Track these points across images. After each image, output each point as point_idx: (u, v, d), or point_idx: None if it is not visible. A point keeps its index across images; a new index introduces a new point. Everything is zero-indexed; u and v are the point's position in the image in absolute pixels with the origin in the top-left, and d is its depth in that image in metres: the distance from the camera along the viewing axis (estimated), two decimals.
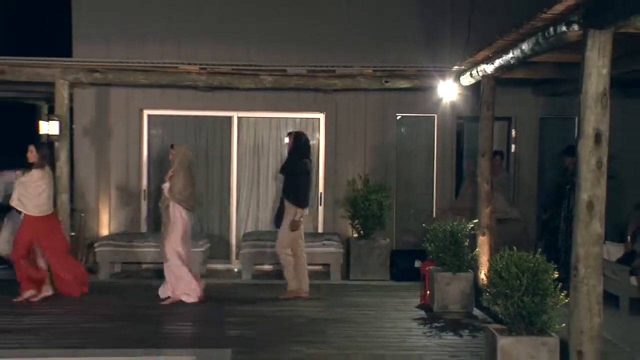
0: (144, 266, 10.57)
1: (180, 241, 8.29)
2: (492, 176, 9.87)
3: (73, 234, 10.09)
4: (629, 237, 8.67)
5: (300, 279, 8.67)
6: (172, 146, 8.78)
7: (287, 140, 9.16)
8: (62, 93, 9.80)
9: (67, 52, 10.85)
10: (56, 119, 9.84)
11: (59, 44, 11.19)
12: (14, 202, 8.33)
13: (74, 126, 10.66)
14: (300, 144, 8.86)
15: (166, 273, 8.31)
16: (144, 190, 11.17)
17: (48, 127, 10.31)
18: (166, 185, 8.32)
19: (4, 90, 12.13)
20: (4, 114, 14.25)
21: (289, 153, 8.96)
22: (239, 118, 11.23)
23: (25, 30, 15.52)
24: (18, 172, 10.32)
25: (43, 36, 13.15)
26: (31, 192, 8.20)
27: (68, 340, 6.67)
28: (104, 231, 10.84)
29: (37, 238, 8.35)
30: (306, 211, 8.80)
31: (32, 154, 8.34)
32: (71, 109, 10.42)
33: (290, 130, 9.64)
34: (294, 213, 8.53)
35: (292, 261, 8.66)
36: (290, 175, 8.76)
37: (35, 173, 8.23)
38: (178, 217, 8.27)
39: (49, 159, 8.76)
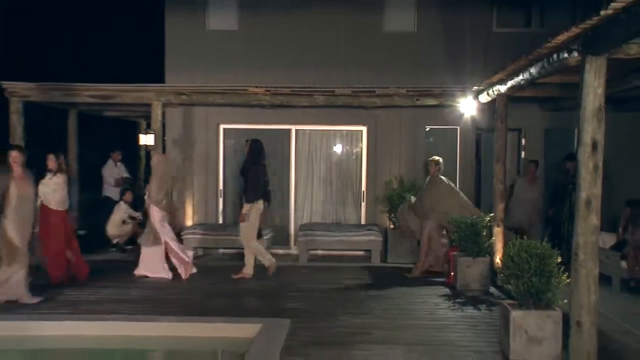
0: (220, 251, 10.66)
1: (161, 231, 8.37)
2: (528, 183, 9.93)
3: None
4: (620, 228, 8.58)
5: (250, 262, 8.58)
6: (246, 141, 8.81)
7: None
8: (157, 112, 9.97)
9: (161, 80, 11.11)
10: (152, 132, 10.07)
11: (155, 73, 11.45)
12: (39, 200, 7.84)
13: (165, 138, 10.84)
14: (255, 151, 8.72)
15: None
16: (220, 190, 11.34)
17: (146, 139, 10.59)
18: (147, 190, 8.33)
19: (114, 110, 12.53)
20: (114, 129, 14.61)
21: (246, 158, 8.80)
22: (297, 130, 11.30)
23: (129, 64, 15.95)
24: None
25: (143, 68, 13.44)
26: (58, 192, 7.91)
27: (166, 309, 6.77)
28: (189, 222, 11.02)
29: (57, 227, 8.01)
30: (260, 207, 8.61)
31: (52, 162, 7.93)
32: (163, 125, 10.60)
33: (247, 138, 9.30)
34: (244, 207, 8.51)
35: (257, 248, 8.63)
36: (245, 176, 8.67)
37: (60, 177, 7.96)
38: (154, 215, 8.31)
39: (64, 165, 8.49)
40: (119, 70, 13.27)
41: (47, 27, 18.71)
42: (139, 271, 8.47)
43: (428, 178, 9.23)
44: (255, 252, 8.65)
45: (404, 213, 9.27)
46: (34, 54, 17.33)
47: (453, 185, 9.38)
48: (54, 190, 7.82)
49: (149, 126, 10.92)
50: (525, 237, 7.60)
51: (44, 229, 7.74)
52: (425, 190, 9.12)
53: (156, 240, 8.41)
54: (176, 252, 8.44)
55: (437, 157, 9.23)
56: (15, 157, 7.38)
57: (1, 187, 7.03)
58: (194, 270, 8.63)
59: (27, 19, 18.59)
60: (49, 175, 7.82)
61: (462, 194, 9.12)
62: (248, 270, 8.56)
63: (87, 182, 12.34)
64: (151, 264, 8.44)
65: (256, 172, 8.61)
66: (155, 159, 8.76)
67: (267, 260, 8.62)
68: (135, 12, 18.12)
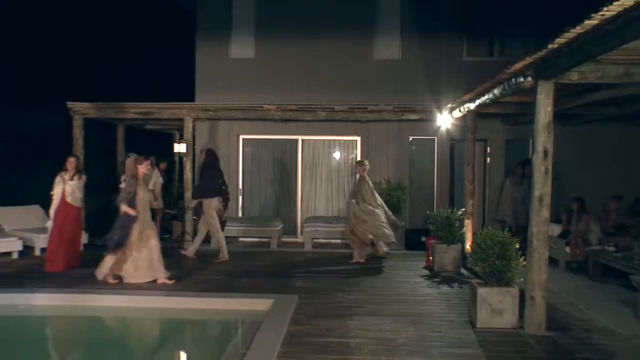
0: (240, 239, 10.64)
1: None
2: (515, 183, 9.75)
3: (195, 217, 10.09)
4: (564, 217, 8.66)
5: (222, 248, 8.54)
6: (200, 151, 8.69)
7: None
8: (188, 125, 10.04)
9: (192, 99, 11.14)
10: (184, 142, 10.12)
11: (187, 94, 11.48)
12: (69, 198, 7.67)
13: (195, 146, 10.84)
14: (212, 158, 8.74)
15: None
16: (240, 189, 11.35)
17: (179, 148, 10.63)
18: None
19: (153, 124, 12.63)
20: (153, 140, 14.66)
21: (203, 163, 8.73)
22: (303, 140, 11.31)
23: (166, 86, 16.03)
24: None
25: (177, 89, 13.53)
26: (76, 191, 7.76)
27: (198, 286, 6.76)
28: None
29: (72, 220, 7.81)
30: (214, 204, 8.49)
31: (72, 164, 7.74)
32: (193, 135, 10.67)
33: (202, 148, 9.40)
34: (191, 202, 8.80)
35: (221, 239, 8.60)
36: (201, 178, 8.67)
37: (83, 177, 7.87)
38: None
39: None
40: (158, 91, 13.35)
41: (99, 54, 18.82)
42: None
43: (358, 177, 8.89)
44: (219, 240, 8.63)
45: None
46: (89, 77, 17.44)
47: (373, 187, 8.84)
48: (73, 189, 7.73)
49: (181, 137, 10.96)
50: (511, 231, 7.71)
51: (62, 220, 7.64)
52: (356, 188, 8.75)
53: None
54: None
55: (362, 159, 9.04)
56: (71, 163, 7.79)
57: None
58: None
59: (81, 48, 18.69)
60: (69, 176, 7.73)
61: (377, 197, 8.78)
62: (223, 254, 8.52)
63: None
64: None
65: (212, 176, 8.61)
66: (127, 163, 7.93)
67: (223, 252, 8.56)
68: (172, 43, 18.22)
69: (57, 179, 7.71)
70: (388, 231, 8.42)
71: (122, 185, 7.02)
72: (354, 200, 8.50)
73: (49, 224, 7.80)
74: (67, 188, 7.68)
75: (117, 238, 6.82)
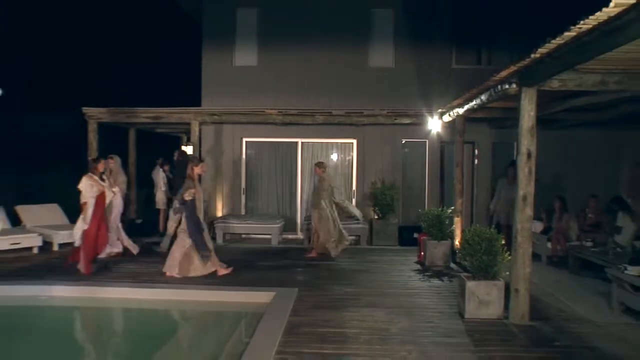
0: (243, 235, 10.63)
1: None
2: (509, 184, 9.33)
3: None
4: (543, 215, 8.70)
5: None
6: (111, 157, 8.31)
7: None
8: (194, 128, 10.05)
9: (198, 104, 11.13)
10: (191, 144, 10.16)
11: (194, 99, 11.48)
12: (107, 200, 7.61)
13: (201, 148, 10.85)
14: (181, 158, 8.82)
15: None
16: (243, 188, 11.33)
17: (186, 149, 10.66)
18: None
19: (162, 128, 12.62)
20: (163, 142, 14.71)
21: (177, 163, 8.63)
22: (302, 142, 11.28)
23: (174, 92, 16.04)
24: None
25: (185, 94, 13.54)
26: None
27: (205, 280, 6.78)
28: (219, 213, 11.06)
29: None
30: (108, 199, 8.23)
31: (103, 165, 7.64)
32: (200, 138, 10.66)
33: (176, 150, 9.48)
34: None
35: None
36: (179, 177, 8.49)
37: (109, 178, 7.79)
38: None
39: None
40: (166, 97, 13.36)
41: (113, 63, 18.84)
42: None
43: (317, 178, 8.69)
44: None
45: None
46: (102, 84, 17.45)
47: (333, 187, 8.85)
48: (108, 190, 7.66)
49: (188, 140, 10.99)
50: (501, 229, 7.68)
51: (99, 222, 7.44)
52: (319, 190, 8.58)
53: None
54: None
55: (322, 161, 8.96)
56: (107, 164, 7.93)
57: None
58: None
59: (95, 58, 18.70)
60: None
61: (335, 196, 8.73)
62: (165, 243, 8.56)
63: (142, 182, 12.41)
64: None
65: (182, 176, 8.23)
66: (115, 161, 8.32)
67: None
68: (180, 52, 18.24)
69: (89, 182, 7.26)
70: (333, 244, 8.47)
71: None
72: (323, 204, 8.44)
73: (80, 225, 7.25)
74: (105, 190, 7.49)
75: (199, 238, 6.89)
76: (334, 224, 8.50)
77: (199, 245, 6.93)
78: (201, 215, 7.17)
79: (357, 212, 9.38)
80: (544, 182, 9.31)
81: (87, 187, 7.21)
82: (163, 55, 19.58)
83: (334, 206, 8.65)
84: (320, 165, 8.73)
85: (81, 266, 7.08)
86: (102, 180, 7.53)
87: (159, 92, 15.65)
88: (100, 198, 7.34)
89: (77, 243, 7.25)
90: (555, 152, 10.31)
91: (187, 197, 6.90)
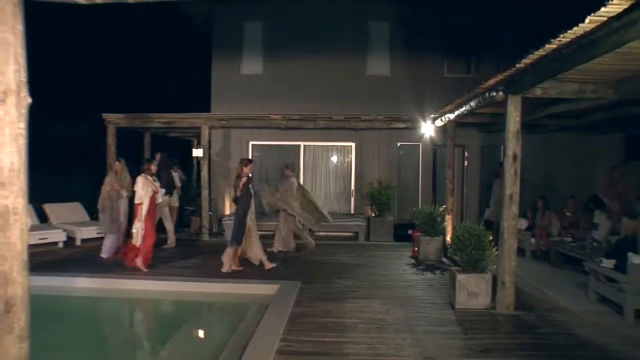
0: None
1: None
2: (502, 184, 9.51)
3: (211, 213, 10.28)
4: (529, 213, 8.66)
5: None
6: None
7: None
8: (205, 133, 10.06)
9: (208, 109, 11.16)
10: (201, 147, 10.15)
11: (204, 105, 11.50)
12: (159, 198, 7.38)
13: (211, 151, 10.88)
14: (164, 160, 8.87)
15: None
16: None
17: (197, 152, 10.67)
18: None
19: (174, 132, 12.59)
20: (174, 146, 14.71)
21: (160, 164, 8.43)
22: (304, 146, 11.31)
23: (186, 98, 16.03)
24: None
25: (196, 101, 13.55)
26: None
27: (216, 272, 6.78)
28: (227, 212, 11.05)
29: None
30: (167, 199, 8.44)
31: (154, 166, 7.35)
32: (209, 142, 10.67)
33: (159, 152, 9.26)
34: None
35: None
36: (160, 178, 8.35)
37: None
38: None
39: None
40: (179, 103, 13.41)
41: (129, 72, 18.88)
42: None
43: (286, 180, 8.47)
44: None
45: (266, 196, 8.53)
46: (119, 92, 17.48)
47: (305, 187, 8.93)
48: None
49: (199, 143, 11.00)
50: (492, 228, 7.62)
51: (152, 220, 7.20)
52: (285, 189, 8.41)
53: None
54: None
55: (291, 163, 8.84)
56: (116, 166, 8.00)
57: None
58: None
59: (112, 68, 18.75)
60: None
61: (310, 195, 8.67)
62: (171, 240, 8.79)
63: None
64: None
65: (169, 174, 8.76)
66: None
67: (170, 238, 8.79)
68: (191, 61, 18.27)
69: (143, 181, 6.93)
70: (313, 222, 8.56)
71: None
72: (291, 201, 8.35)
73: (138, 225, 6.89)
74: (157, 189, 7.17)
75: (237, 233, 6.90)
76: (308, 207, 8.45)
77: (233, 239, 6.93)
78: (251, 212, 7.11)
79: (325, 213, 8.81)
80: (528, 182, 9.31)
81: (142, 188, 6.91)
82: (175, 64, 19.60)
83: (305, 193, 8.58)
84: (288, 165, 8.68)
85: (139, 262, 6.89)
86: (154, 180, 7.23)
87: (171, 99, 15.69)
88: (152, 198, 7.09)
89: (138, 243, 6.89)
90: (538, 154, 10.32)
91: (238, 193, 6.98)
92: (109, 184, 7.82)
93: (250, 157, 11.30)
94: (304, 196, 8.56)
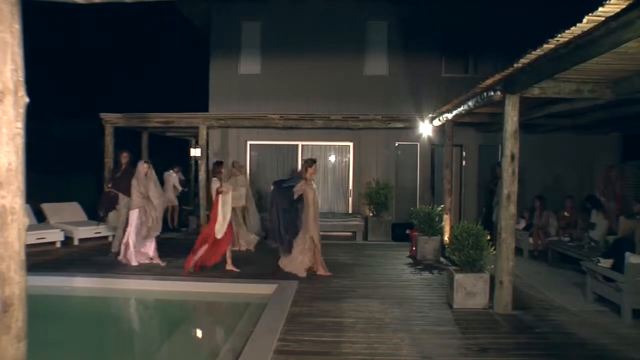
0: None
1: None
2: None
3: (208, 212, 10.27)
4: (526, 214, 8.67)
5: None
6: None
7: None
8: (202, 132, 10.01)
9: (206, 109, 11.13)
10: (199, 147, 10.13)
11: (202, 105, 11.48)
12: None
13: (208, 151, 10.86)
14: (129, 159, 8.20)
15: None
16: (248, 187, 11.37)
17: (194, 152, 10.68)
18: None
19: (172, 131, 12.57)
20: (173, 145, 14.70)
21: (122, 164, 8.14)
22: (302, 145, 11.30)
23: (183, 98, 16.03)
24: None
25: (193, 100, 13.55)
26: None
27: (216, 272, 6.68)
28: None
29: None
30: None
31: (223, 168, 7.32)
32: (207, 141, 10.64)
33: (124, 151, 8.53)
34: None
35: None
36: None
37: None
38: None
39: None
40: (177, 102, 13.39)
41: (127, 72, 18.86)
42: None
43: (238, 178, 8.26)
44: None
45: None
46: (116, 91, 17.46)
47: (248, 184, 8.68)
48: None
49: (196, 142, 11.00)
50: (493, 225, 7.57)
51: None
52: (238, 185, 8.08)
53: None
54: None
55: (237, 161, 8.61)
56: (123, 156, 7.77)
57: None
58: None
59: (110, 68, 18.72)
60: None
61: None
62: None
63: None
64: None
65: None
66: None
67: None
68: (189, 61, 18.26)
69: (216, 185, 6.88)
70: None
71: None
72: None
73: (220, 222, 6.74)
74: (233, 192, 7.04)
75: (289, 239, 6.69)
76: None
77: (274, 235, 6.77)
78: (317, 213, 6.77)
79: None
80: (525, 182, 9.33)
81: (215, 189, 6.92)
82: (173, 63, 19.59)
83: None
84: (234, 164, 8.51)
85: (213, 259, 6.83)
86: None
87: (169, 99, 15.67)
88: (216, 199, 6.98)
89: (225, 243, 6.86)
90: (536, 154, 10.33)
91: (296, 195, 6.67)
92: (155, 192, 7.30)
93: (247, 157, 11.31)
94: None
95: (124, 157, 7.98)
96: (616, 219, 7.21)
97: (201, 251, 6.70)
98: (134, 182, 7.20)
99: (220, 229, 6.68)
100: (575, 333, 4.60)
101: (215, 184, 6.92)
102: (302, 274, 6.62)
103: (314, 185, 6.93)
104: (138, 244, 7.29)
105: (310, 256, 6.76)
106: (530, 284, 6.40)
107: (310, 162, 6.83)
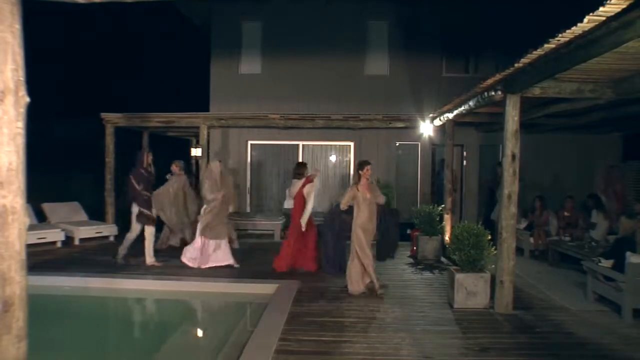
0: (249, 231, 10.44)
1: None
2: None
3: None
4: (529, 213, 8.62)
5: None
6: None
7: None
8: (203, 132, 10.05)
9: (206, 109, 11.13)
10: (199, 147, 10.14)
11: (202, 104, 11.48)
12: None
13: (209, 151, 10.87)
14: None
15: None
16: (248, 187, 11.35)
17: (195, 152, 10.66)
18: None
19: (173, 131, 12.64)
20: (173, 145, 14.72)
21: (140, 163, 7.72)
22: (303, 145, 11.29)
23: (184, 98, 16.04)
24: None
25: (194, 100, 13.55)
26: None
27: (215, 274, 6.71)
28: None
29: None
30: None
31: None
32: (208, 141, 10.66)
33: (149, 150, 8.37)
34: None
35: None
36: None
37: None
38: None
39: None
40: (177, 103, 13.41)
41: (127, 72, 18.88)
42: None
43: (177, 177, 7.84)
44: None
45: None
46: (117, 92, 17.47)
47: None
48: None
49: (197, 142, 10.99)
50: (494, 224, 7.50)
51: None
52: (205, 178, 7.42)
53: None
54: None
55: (179, 160, 8.12)
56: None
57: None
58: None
59: (111, 67, 18.73)
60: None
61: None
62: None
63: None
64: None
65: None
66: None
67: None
68: (190, 61, 18.27)
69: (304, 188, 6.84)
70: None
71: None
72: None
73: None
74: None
75: (332, 247, 6.65)
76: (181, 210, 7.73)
77: (333, 269, 6.69)
78: (373, 222, 6.01)
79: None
80: (526, 182, 9.30)
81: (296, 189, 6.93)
82: (173, 63, 19.60)
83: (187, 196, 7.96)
84: (176, 164, 7.92)
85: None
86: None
87: (169, 99, 15.69)
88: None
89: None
90: (536, 154, 10.32)
91: (343, 206, 5.94)
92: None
93: (248, 156, 11.30)
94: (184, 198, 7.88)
95: (149, 157, 7.39)
96: (617, 218, 7.21)
97: (285, 250, 6.83)
98: (207, 182, 6.95)
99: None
100: (575, 333, 4.60)
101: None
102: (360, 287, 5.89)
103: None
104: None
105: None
106: (531, 283, 6.40)
107: (364, 164, 5.91)
